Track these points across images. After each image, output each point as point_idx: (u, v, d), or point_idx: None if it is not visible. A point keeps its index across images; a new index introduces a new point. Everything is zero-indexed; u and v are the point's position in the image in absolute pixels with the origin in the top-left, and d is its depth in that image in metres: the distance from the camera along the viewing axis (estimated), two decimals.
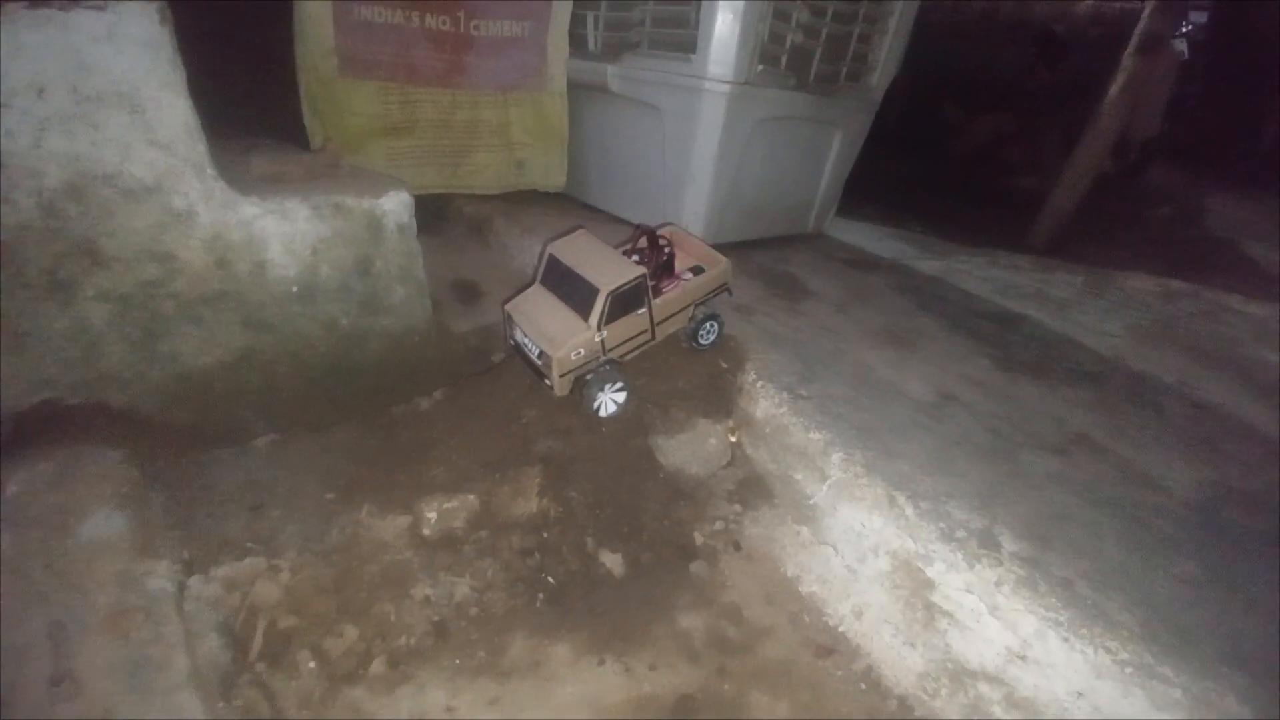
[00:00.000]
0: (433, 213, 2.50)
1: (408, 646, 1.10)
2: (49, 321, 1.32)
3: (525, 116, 2.55)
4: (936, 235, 3.11)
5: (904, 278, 2.42)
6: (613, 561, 1.29)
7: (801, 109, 2.28)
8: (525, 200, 2.62)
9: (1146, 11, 3.19)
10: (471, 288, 2.15)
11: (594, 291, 1.36)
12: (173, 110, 1.31)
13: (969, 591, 1.06)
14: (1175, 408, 1.74)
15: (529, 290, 1.55)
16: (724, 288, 1.64)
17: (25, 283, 1.29)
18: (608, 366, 1.43)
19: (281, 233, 1.50)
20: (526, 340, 1.45)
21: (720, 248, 2.33)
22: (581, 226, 1.61)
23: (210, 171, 1.38)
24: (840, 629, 1.22)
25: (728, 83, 2.02)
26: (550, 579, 1.24)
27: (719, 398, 1.54)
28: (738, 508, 1.43)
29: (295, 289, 1.56)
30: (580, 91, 2.50)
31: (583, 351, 1.38)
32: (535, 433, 1.44)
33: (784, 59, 2.15)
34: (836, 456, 1.29)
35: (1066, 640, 0.96)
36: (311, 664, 1.04)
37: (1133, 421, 1.62)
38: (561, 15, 2.42)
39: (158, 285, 1.39)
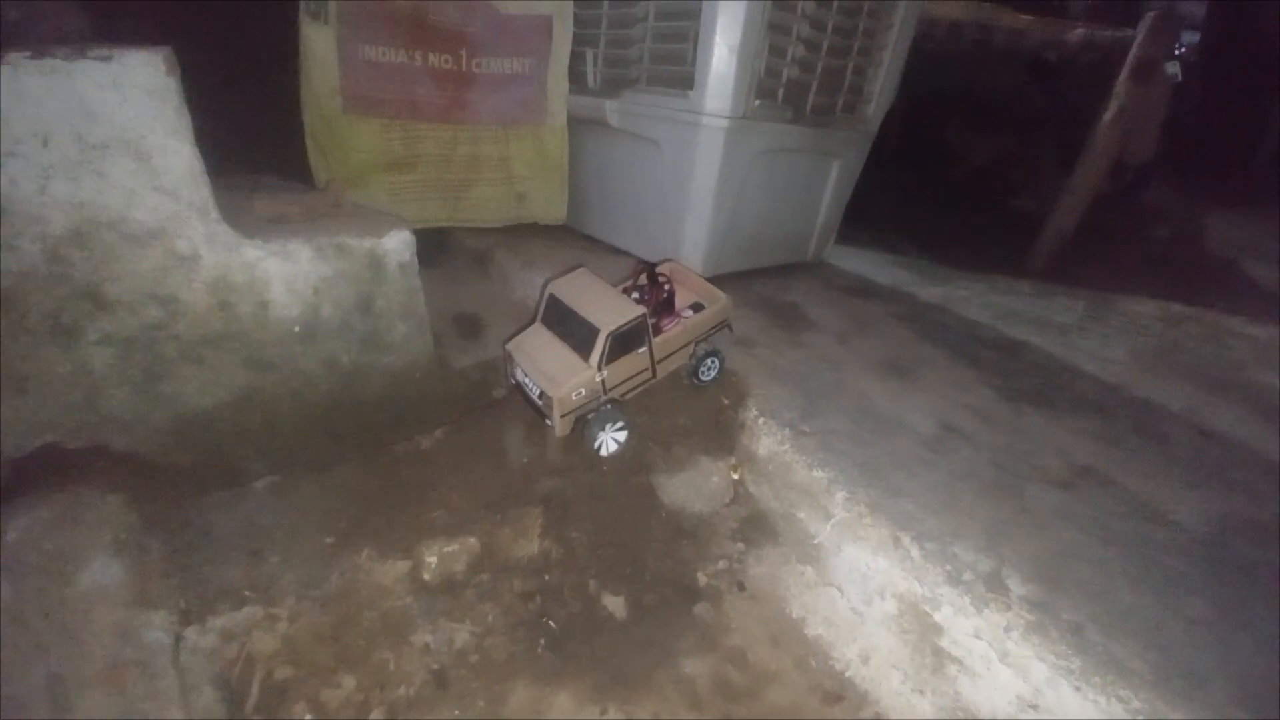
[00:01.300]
0: (434, 245, 2.52)
1: (407, 697, 1.08)
2: (51, 366, 1.33)
3: (526, 151, 2.58)
4: (935, 259, 3.12)
5: (904, 306, 2.42)
6: (615, 604, 1.27)
7: (799, 141, 2.31)
8: (526, 233, 2.64)
9: (1138, 39, 3.23)
10: (473, 321, 2.16)
11: (594, 332, 1.37)
12: (178, 156, 1.33)
13: (978, 637, 1.04)
14: (1181, 436, 1.72)
15: (529, 329, 1.55)
16: (724, 324, 1.64)
17: (28, 328, 1.30)
18: (609, 406, 1.43)
19: (284, 274, 1.52)
20: (527, 380, 1.45)
21: (721, 278, 2.35)
22: (582, 265, 1.61)
23: (214, 215, 1.40)
24: (847, 674, 1.20)
25: (725, 117, 2.04)
26: (552, 623, 1.22)
27: (721, 434, 1.53)
28: (741, 546, 1.41)
29: (297, 328, 1.57)
30: (580, 126, 2.54)
31: (584, 392, 1.38)
32: (536, 472, 1.43)
33: (780, 93, 2.18)
34: (840, 495, 1.28)
35: (1079, 689, 0.94)
36: (308, 716, 1.02)
37: (1139, 452, 1.60)
38: (561, 53, 2.47)
39: (160, 328, 1.40)
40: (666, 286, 1.64)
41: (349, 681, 1.08)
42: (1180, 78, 4.50)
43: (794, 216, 2.56)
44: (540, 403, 1.42)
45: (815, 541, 1.30)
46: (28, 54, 1.23)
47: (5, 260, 1.25)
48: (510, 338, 1.56)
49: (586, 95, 2.47)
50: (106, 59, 1.26)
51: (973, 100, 4.87)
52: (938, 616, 1.09)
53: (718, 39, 1.96)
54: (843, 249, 2.89)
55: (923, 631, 1.11)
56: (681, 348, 1.56)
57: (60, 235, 1.28)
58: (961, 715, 1.05)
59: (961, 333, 2.22)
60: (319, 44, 2.18)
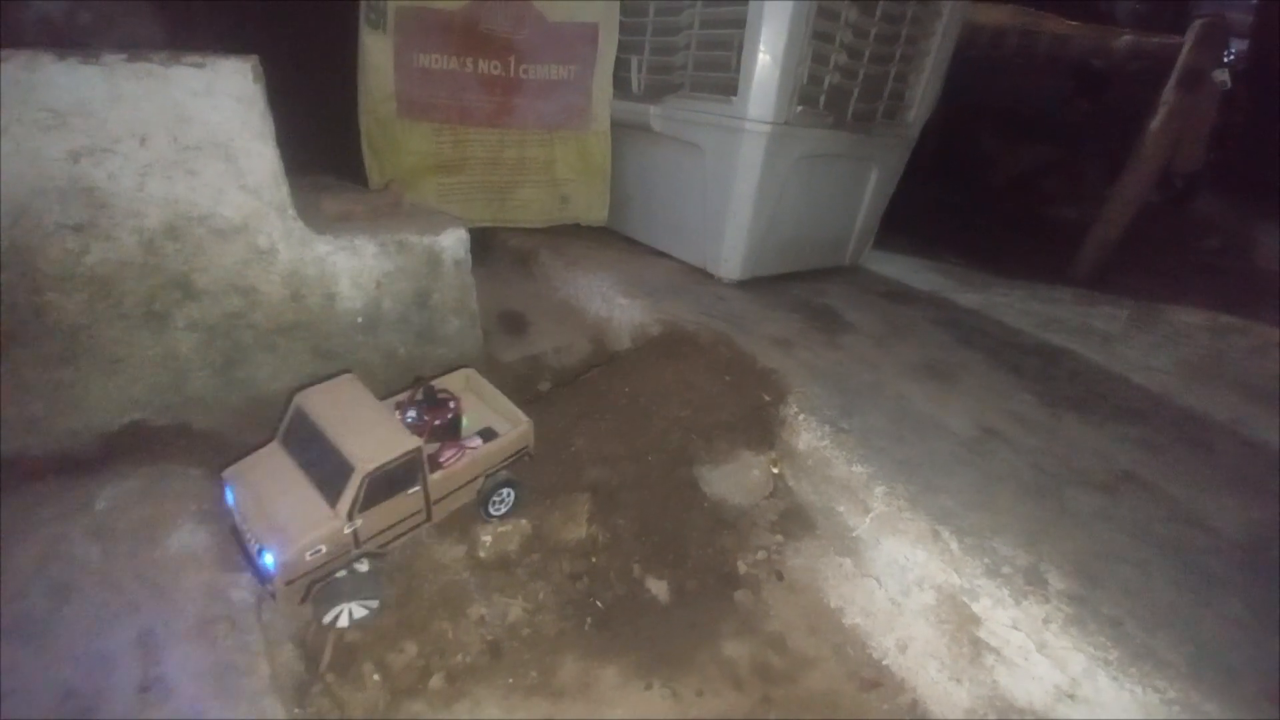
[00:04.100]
0: (479, 245, 2.60)
1: (464, 664, 1.15)
2: (142, 349, 1.44)
3: (570, 154, 2.67)
4: (974, 266, 3.11)
5: (942, 311, 2.43)
6: (658, 588, 1.33)
7: (839, 146, 2.34)
8: (569, 234, 2.72)
9: (1186, 46, 3.18)
10: (518, 319, 2.24)
11: (348, 469, 1.07)
12: (262, 159, 1.44)
13: (1016, 628, 1.07)
14: (1225, 446, 1.71)
15: (262, 451, 1.21)
16: (524, 452, 1.38)
17: (123, 313, 1.42)
18: (363, 563, 1.14)
19: (350, 268, 1.61)
20: (244, 527, 1.11)
21: (758, 281, 2.40)
22: (349, 372, 1.31)
23: (291, 212, 1.50)
24: (885, 662, 1.23)
25: (767, 123, 2.09)
26: (599, 603, 1.28)
27: (761, 430, 1.57)
28: (780, 538, 1.46)
29: (360, 320, 1.67)
30: (623, 130, 2.61)
31: (324, 549, 1.07)
32: (584, 460, 1.49)
33: (822, 99, 2.22)
34: (879, 490, 1.31)
35: (1116, 679, 0.96)
36: (375, 677, 1.09)
37: (1181, 460, 1.60)
38: (606, 59, 2.55)
39: (240, 316, 1.50)
40: (451, 406, 1.35)
41: (411, 647, 1.15)
42: (1229, 85, 4.39)
43: (832, 221, 2.59)
44: (258, 561, 1.07)
45: (854, 534, 1.34)
46: (124, 56, 1.33)
47: (106, 250, 1.37)
48: (231, 464, 1.20)
49: (630, 100, 2.54)
50: (200, 65, 1.37)
51: (1016, 107, 4.82)
52: (976, 608, 1.12)
53: (762, 46, 2.02)
54: (880, 254, 2.91)
55: (960, 622, 1.14)
56: (467, 484, 1.29)
57: (155, 228, 1.39)
58: (999, 704, 1.08)
59: (1001, 339, 2.23)
60: (376, 51, 2.30)
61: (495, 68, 2.48)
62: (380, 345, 1.72)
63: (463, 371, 1.50)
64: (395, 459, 1.10)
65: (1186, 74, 3.11)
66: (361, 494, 1.08)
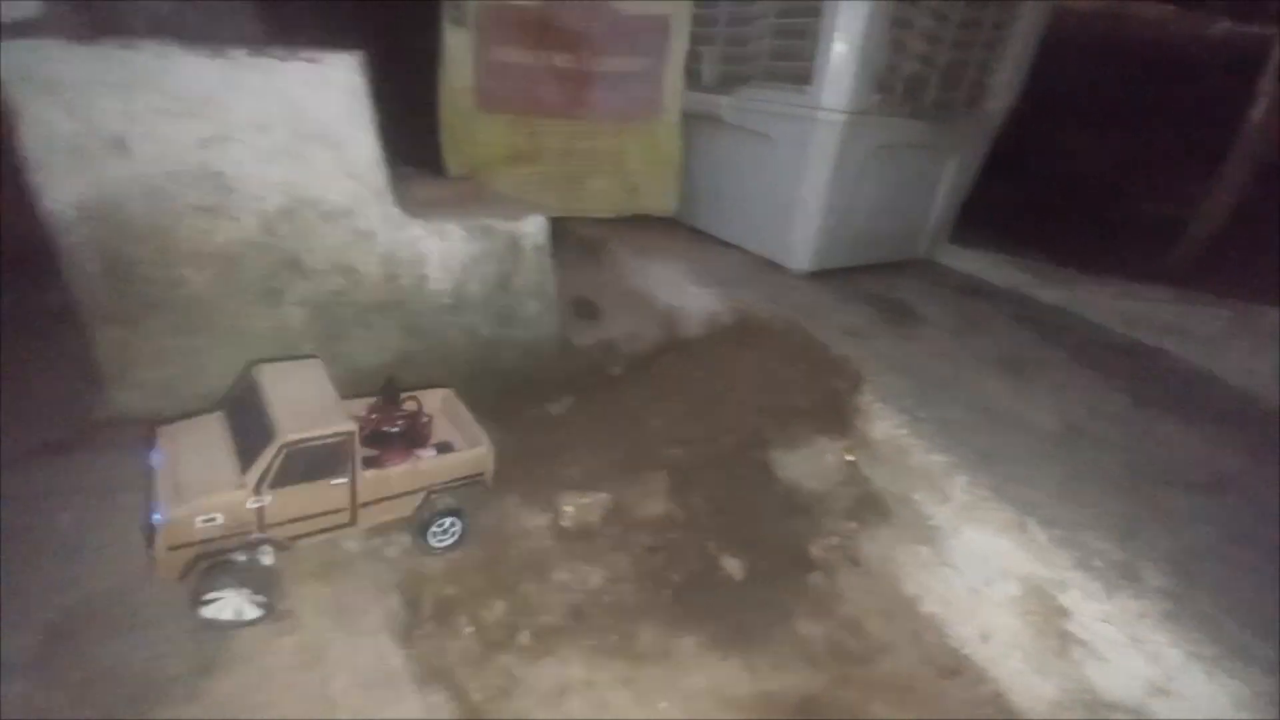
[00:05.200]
0: (550, 235, 2.69)
1: (549, 624, 1.21)
2: (260, 322, 1.56)
3: (640, 145, 2.70)
4: (1058, 263, 2.98)
5: (1022, 307, 2.36)
6: (733, 566, 1.36)
7: (916, 136, 2.30)
8: (637, 224, 2.76)
9: None
10: (589, 305, 2.30)
11: (268, 437, 1.02)
12: (364, 146, 1.53)
13: (1107, 622, 1.05)
14: None
15: (203, 415, 1.20)
16: (477, 477, 1.32)
17: (244, 288, 1.54)
18: (262, 550, 1.06)
19: (440, 251, 1.70)
20: (155, 484, 1.05)
21: (827, 274, 2.38)
22: (316, 355, 1.30)
23: (389, 198, 1.60)
24: (964, 651, 1.22)
25: (843, 112, 2.07)
26: (675, 576, 1.32)
27: (836, 417, 1.57)
28: (854, 525, 1.46)
29: (447, 301, 1.76)
30: (692, 121, 2.63)
31: (219, 520, 1.00)
32: (659, 440, 1.54)
33: (900, 87, 2.18)
34: (961, 479, 1.30)
35: (1210, 674, 0.94)
36: (469, 629, 1.17)
37: None
38: (677, 51, 2.57)
39: (342, 294, 1.61)
40: (425, 419, 1.32)
41: (500, 605, 1.21)
42: None
43: (907, 212, 2.55)
44: (151, 521, 1.00)
45: (932, 523, 1.33)
46: (246, 51, 1.45)
47: (231, 230, 1.49)
48: (168, 421, 1.18)
49: (701, 91, 2.56)
50: (313, 60, 1.48)
51: (1102, 96, 4.57)
52: (1064, 600, 1.10)
53: (839, 34, 2.00)
54: (955, 248, 2.83)
55: (1047, 614, 1.12)
56: (404, 494, 1.22)
57: (273, 211, 1.50)
58: (1087, 698, 1.06)
59: (1087, 337, 2.15)
60: (458, 47, 2.40)
61: (569, 61, 2.55)
62: (464, 325, 1.80)
63: (440, 391, 1.45)
64: (321, 436, 1.04)
65: None
66: (275, 466, 1.01)
